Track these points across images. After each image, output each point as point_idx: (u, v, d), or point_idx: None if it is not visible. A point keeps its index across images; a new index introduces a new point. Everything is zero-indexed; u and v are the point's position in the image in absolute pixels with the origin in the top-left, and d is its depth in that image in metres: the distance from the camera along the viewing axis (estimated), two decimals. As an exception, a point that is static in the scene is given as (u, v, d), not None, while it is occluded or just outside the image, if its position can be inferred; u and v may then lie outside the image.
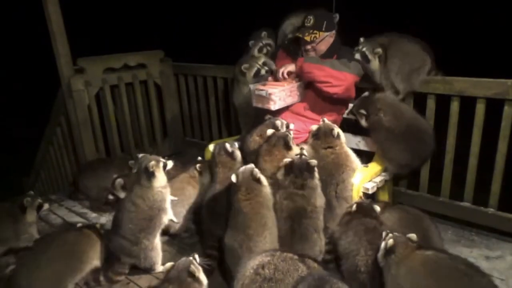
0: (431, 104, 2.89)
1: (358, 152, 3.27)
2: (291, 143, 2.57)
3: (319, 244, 2.35)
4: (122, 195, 3.06)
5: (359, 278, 2.13)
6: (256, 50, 3.44)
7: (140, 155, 2.53)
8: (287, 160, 2.36)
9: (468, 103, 2.72)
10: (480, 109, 2.68)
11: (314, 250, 2.30)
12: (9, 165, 6.89)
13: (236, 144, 2.83)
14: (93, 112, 3.99)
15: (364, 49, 2.85)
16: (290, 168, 2.32)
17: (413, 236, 1.98)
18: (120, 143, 4.29)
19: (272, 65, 3.25)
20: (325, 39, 2.99)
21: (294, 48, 3.17)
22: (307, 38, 2.92)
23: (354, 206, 2.33)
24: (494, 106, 2.62)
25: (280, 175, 2.36)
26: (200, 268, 1.94)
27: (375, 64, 2.84)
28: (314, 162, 2.33)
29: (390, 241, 1.93)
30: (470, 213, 2.84)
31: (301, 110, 3.08)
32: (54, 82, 3.99)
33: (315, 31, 2.92)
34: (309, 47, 3.00)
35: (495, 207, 2.75)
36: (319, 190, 2.38)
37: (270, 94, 2.83)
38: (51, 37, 3.70)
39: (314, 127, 2.72)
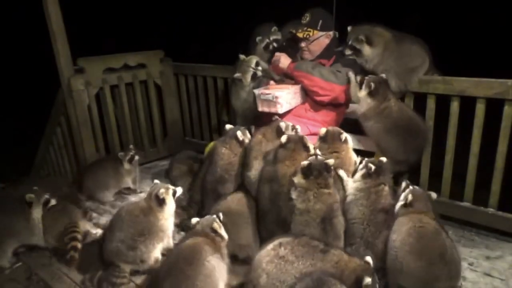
0: (431, 104, 2.89)
1: (358, 152, 3.28)
2: (308, 144, 2.51)
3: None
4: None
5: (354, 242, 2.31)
6: (262, 46, 3.40)
7: (155, 182, 2.60)
8: (304, 162, 2.30)
9: (468, 103, 2.73)
10: (480, 109, 2.68)
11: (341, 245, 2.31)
12: (8, 164, 6.89)
13: (248, 132, 2.82)
14: (93, 112, 3.99)
15: (350, 42, 2.86)
16: (308, 169, 2.26)
17: (433, 194, 2.23)
18: (120, 143, 4.28)
19: (266, 67, 3.21)
20: (320, 39, 2.98)
21: (292, 50, 3.17)
22: (300, 35, 2.92)
23: (372, 168, 2.33)
24: (494, 106, 2.62)
25: (298, 178, 2.30)
26: (221, 225, 2.20)
27: (367, 50, 2.83)
28: (331, 161, 2.32)
29: (410, 197, 2.15)
30: (470, 213, 2.84)
31: (302, 112, 3.07)
32: (54, 82, 3.99)
33: (309, 29, 2.91)
34: (303, 45, 2.99)
35: (495, 207, 2.76)
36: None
37: (276, 97, 2.82)
38: (51, 37, 3.70)
39: (323, 130, 2.63)
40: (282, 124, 2.67)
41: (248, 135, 2.81)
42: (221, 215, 2.27)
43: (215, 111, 4.30)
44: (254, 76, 3.13)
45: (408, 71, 2.83)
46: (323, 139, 2.61)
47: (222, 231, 2.19)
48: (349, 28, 2.93)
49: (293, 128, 2.74)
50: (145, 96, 4.44)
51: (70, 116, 3.93)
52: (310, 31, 2.91)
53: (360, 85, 2.78)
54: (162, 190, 2.45)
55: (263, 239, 2.41)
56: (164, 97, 4.58)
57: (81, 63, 3.88)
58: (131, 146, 3.67)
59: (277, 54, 3.03)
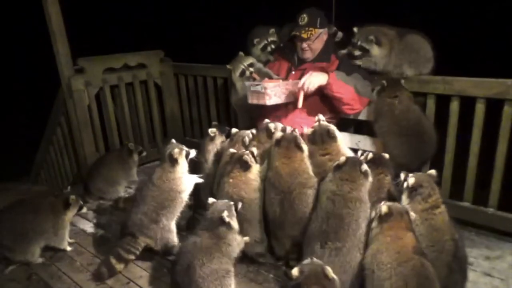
0: (431, 104, 2.89)
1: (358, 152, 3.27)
2: (301, 144, 2.48)
3: (250, 235, 2.38)
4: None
5: None
6: (260, 47, 3.42)
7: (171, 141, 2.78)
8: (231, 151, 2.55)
9: (468, 103, 2.73)
10: (480, 109, 2.68)
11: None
12: (8, 164, 6.89)
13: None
14: (93, 112, 3.99)
15: (359, 42, 2.90)
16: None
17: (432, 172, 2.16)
18: (120, 143, 4.29)
19: (262, 68, 3.25)
20: (320, 37, 3.03)
21: (290, 51, 3.18)
22: (304, 35, 2.95)
23: (369, 156, 2.35)
24: (494, 106, 2.62)
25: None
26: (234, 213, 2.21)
27: (375, 50, 2.87)
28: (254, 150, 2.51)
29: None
30: (470, 213, 2.84)
31: (298, 112, 3.07)
32: (54, 82, 3.99)
33: (310, 28, 2.95)
34: (305, 45, 3.02)
35: (495, 207, 2.75)
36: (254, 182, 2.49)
37: (265, 88, 2.85)
38: (51, 37, 3.71)
39: (310, 130, 2.61)
40: (272, 125, 2.71)
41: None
42: (239, 204, 2.30)
43: (215, 111, 4.30)
44: (243, 73, 3.23)
45: (419, 59, 2.85)
46: (312, 140, 2.56)
47: (233, 222, 2.19)
48: (355, 29, 2.97)
49: (284, 130, 2.70)
50: (145, 96, 4.45)
51: (70, 116, 3.94)
52: (311, 30, 2.95)
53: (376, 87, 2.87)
54: (176, 150, 2.57)
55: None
56: (164, 97, 4.59)
57: (81, 63, 3.88)
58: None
59: (305, 79, 2.86)
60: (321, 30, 3.00)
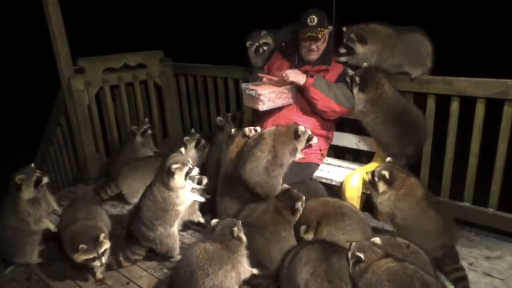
0: (431, 104, 2.89)
1: (358, 152, 3.28)
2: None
3: None
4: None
5: None
6: (253, 50, 3.44)
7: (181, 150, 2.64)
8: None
9: (468, 103, 2.73)
10: (480, 109, 2.68)
11: None
12: (9, 164, 6.89)
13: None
14: (93, 112, 3.99)
15: (344, 40, 2.95)
16: None
17: (376, 240, 2.07)
18: (120, 143, 4.29)
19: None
20: (327, 36, 3.02)
21: (292, 51, 3.16)
22: (319, 35, 2.92)
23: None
24: (494, 106, 2.62)
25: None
26: (241, 229, 2.23)
27: (359, 48, 2.90)
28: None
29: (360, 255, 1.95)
30: (470, 213, 2.84)
31: (293, 113, 3.08)
32: (54, 82, 3.99)
33: (322, 28, 2.92)
34: (314, 46, 2.98)
35: (495, 207, 2.76)
36: None
37: (259, 95, 2.85)
38: (51, 37, 3.71)
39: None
40: (246, 130, 2.80)
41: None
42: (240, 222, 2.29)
43: (215, 111, 4.30)
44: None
45: (420, 58, 2.83)
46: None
47: (242, 235, 2.22)
48: (344, 28, 2.99)
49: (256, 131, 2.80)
50: (145, 96, 4.45)
51: (70, 116, 3.94)
52: (323, 30, 2.93)
53: (351, 83, 2.85)
54: (175, 165, 2.42)
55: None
56: (164, 97, 4.58)
57: (81, 63, 3.88)
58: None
59: (288, 71, 2.96)
60: (328, 30, 2.99)
